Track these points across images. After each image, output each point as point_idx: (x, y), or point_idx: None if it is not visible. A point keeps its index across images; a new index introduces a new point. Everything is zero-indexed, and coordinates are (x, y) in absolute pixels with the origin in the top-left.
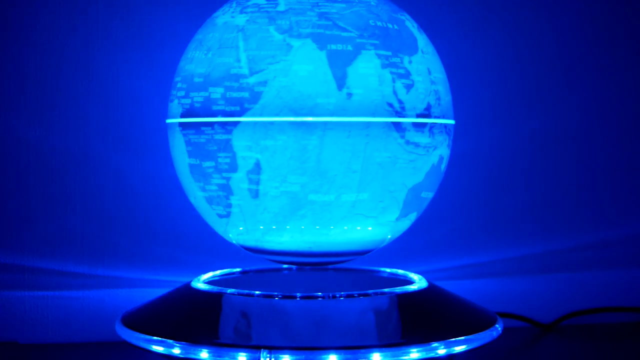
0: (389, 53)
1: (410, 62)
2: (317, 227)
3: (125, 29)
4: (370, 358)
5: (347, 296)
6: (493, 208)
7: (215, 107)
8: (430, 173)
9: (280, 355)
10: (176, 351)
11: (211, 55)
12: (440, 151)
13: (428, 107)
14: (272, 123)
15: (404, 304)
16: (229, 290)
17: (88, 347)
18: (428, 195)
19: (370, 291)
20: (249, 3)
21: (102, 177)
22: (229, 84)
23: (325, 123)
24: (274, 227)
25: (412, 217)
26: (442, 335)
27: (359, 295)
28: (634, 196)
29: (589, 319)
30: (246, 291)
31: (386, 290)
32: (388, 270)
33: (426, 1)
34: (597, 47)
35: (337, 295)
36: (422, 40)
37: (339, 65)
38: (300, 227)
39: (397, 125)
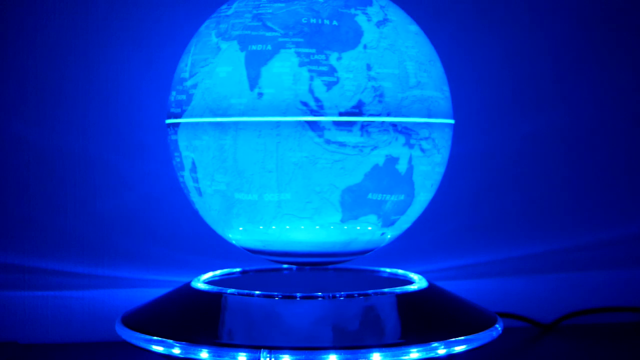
0: (313, 50)
1: (339, 58)
2: (261, 226)
3: (125, 29)
4: (370, 358)
5: (347, 296)
6: (493, 208)
7: (170, 110)
8: (376, 174)
9: (280, 355)
10: (176, 351)
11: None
12: (387, 151)
13: (359, 105)
14: (198, 124)
15: (404, 304)
16: (229, 290)
17: (88, 347)
18: (386, 197)
19: (370, 291)
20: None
21: (102, 177)
22: (179, 87)
23: (237, 123)
24: (240, 228)
25: (374, 219)
26: (442, 335)
27: (359, 295)
28: (634, 196)
29: (589, 319)
30: (246, 291)
31: (386, 290)
32: (388, 270)
33: (426, 1)
34: (597, 48)
35: (337, 295)
36: (374, 35)
37: (255, 65)
38: (244, 226)
39: (313, 125)
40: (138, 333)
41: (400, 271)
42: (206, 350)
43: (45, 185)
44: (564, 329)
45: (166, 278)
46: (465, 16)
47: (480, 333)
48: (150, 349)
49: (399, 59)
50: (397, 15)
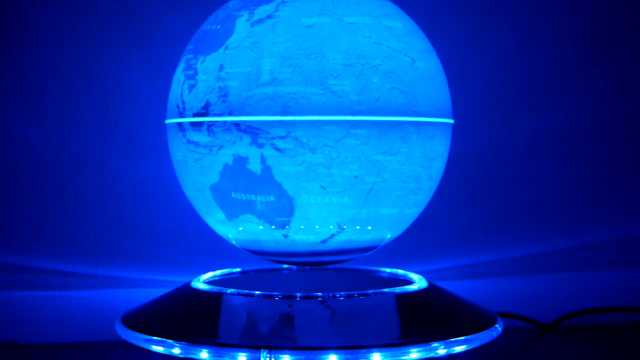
0: (191, 56)
1: (203, 61)
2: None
3: (125, 29)
4: (370, 358)
5: (347, 296)
6: (493, 208)
7: None
8: (230, 173)
9: (280, 355)
10: (176, 351)
11: None
12: (233, 150)
13: (206, 106)
14: None
15: (404, 304)
16: (229, 290)
17: (88, 347)
18: (252, 197)
19: (370, 291)
20: None
21: (102, 177)
22: None
23: None
24: (240, 228)
25: (254, 219)
26: (442, 335)
27: (359, 295)
28: (634, 196)
29: (589, 319)
30: (246, 291)
31: (386, 290)
32: (388, 270)
33: (426, 1)
34: (597, 47)
35: (337, 295)
36: (241, 35)
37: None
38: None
39: (180, 125)
40: (138, 333)
41: (400, 271)
42: (206, 350)
43: (45, 185)
44: (564, 329)
45: (166, 278)
46: (466, 16)
47: (480, 333)
48: (150, 349)
49: (257, 57)
50: (296, 10)
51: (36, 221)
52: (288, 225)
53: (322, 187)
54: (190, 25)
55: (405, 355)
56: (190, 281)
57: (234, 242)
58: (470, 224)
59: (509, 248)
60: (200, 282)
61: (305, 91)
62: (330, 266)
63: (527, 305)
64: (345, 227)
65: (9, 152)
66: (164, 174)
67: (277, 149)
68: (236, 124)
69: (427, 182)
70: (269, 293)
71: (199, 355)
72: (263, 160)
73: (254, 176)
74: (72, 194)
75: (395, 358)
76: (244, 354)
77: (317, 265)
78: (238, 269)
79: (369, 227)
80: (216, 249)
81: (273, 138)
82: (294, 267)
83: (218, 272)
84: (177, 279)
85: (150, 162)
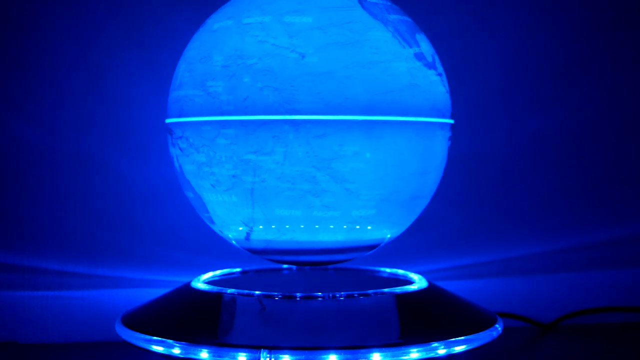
0: None
1: None
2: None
3: (125, 29)
4: (370, 358)
5: (347, 296)
6: (493, 208)
7: None
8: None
9: (280, 355)
10: (176, 351)
11: None
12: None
13: None
14: None
15: (404, 304)
16: (229, 290)
17: (88, 347)
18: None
19: (370, 291)
20: None
21: (102, 177)
22: None
23: None
24: (240, 228)
25: None
26: (442, 335)
27: (359, 295)
28: (634, 196)
29: (589, 319)
30: (246, 291)
31: (386, 290)
32: (388, 270)
33: (426, 1)
34: (597, 47)
35: (337, 295)
36: None
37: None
38: None
39: None
40: (138, 333)
41: (400, 271)
42: (206, 350)
43: (45, 185)
44: (564, 329)
45: (166, 278)
46: (466, 16)
47: (480, 333)
48: (150, 349)
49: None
50: (216, 15)
51: (36, 221)
52: (211, 221)
53: (212, 186)
54: (191, 25)
55: (405, 355)
56: (190, 281)
57: (234, 242)
58: (470, 224)
59: (508, 248)
60: (200, 282)
61: (193, 94)
62: (330, 266)
63: (527, 305)
64: (252, 226)
65: (9, 152)
66: (164, 174)
67: (180, 149)
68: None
69: (338, 184)
70: (269, 293)
71: (199, 355)
72: (177, 159)
73: (178, 173)
74: (72, 194)
75: (395, 358)
76: (244, 354)
77: (317, 265)
78: (238, 269)
79: (369, 227)
80: (216, 249)
81: (177, 138)
82: (294, 267)
83: (218, 272)
84: (177, 279)
85: (150, 162)
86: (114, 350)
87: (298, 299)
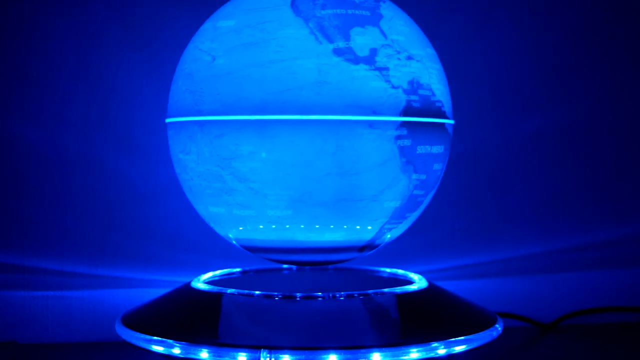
0: None
1: None
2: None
3: (125, 29)
4: (370, 358)
5: (347, 296)
6: (493, 208)
7: None
8: None
9: (280, 355)
10: (176, 351)
11: None
12: None
13: None
14: None
15: (404, 304)
16: (229, 290)
17: (88, 347)
18: None
19: (370, 291)
20: None
21: (102, 177)
22: None
23: None
24: (240, 228)
25: None
26: (442, 335)
27: (359, 295)
28: (634, 196)
29: (589, 319)
30: (246, 291)
31: (386, 290)
32: (388, 270)
33: (426, 1)
34: (597, 47)
35: (337, 295)
36: None
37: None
38: None
39: None
40: (138, 333)
41: (400, 271)
42: (206, 350)
43: (45, 185)
44: (564, 329)
45: (166, 278)
46: (466, 16)
47: (480, 333)
48: (150, 349)
49: None
50: None
51: (36, 221)
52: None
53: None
54: (191, 25)
55: (405, 355)
56: (190, 281)
57: (234, 242)
58: (470, 224)
59: (509, 248)
60: (200, 282)
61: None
62: (330, 266)
63: (527, 305)
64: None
65: (9, 152)
66: (164, 174)
67: None
68: None
69: (242, 183)
70: (269, 293)
71: (199, 355)
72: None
73: None
74: (72, 194)
75: (395, 358)
76: (244, 354)
77: (317, 265)
78: (238, 269)
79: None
80: (216, 249)
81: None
82: (294, 267)
83: (218, 272)
84: (177, 279)
85: (150, 162)
86: (114, 350)
87: (298, 299)
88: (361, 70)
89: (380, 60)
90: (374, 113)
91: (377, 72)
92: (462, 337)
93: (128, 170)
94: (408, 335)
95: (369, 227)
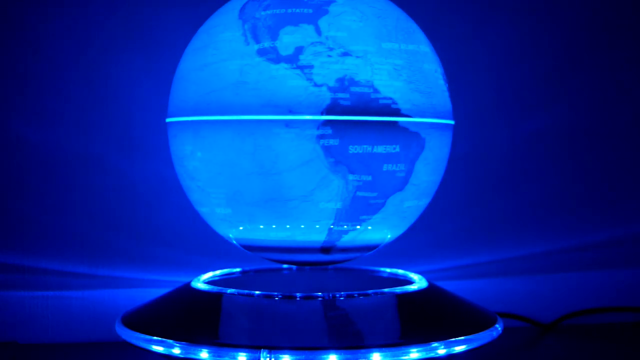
0: None
1: None
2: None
3: (126, 29)
4: (370, 358)
5: (347, 296)
6: (493, 208)
7: None
8: None
9: (280, 355)
10: (176, 351)
11: None
12: None
13: None
14: None
15: (404, 304)
16: (229, 290)
17: (88, 347)
18: None
19: (370, 291)
20: None
21: (102, 177)
22: None
23: None
24: (241, 228)
25: None
26: (442, 335)
27: (359, 295)
28: (634, 196)
29: (589, 319)
30: (246, 291)
31: (386, 290)
32: (388, 270)
33: (427, 1)
34: (597, 47)
35: (337, 295)
36: None
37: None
38: None
39: None
40: (138, 333)
41: (400, 271)
42: (206, 350)
43: (45, 185)
44: (564, 329)
45: (166, 278)
46: (466, 16)
47: (480, 333)
48: (150, 349)
49: None
50: None
51: (36, 221)
52: None
53: None
54: (191, 24)
55: (405, 355)
56: (190, 281)
57: (234, 241)
58: (471, 224)
59: (509, 248)
60: (200, 282)
61: None
62: (330, 266)
63: (527, 305)
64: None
65: (9, 152)
66: (164, 173)
67: None
68: None
69: (192, 182)
70: (269, 293)
71: (199, 355)
72: None
73: None
74: (72, 194)
75: (395, 358)
76: (244, 354)
77: (317, 265)
78: (238, 269)
79: (369, 227)
80: (216, 249)
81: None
82: (294, 267)
83: (218, 272)
84: (177, 279)
85: (150, 162)
86: (114, 350)
87: (298, 299)
88: (281, 69)
89: (305, 58)
90: (291, 112)
91: (298, 71)
92: (462, 337)
93: (128, 170)
94: (408, 335)
95: (317, 226)
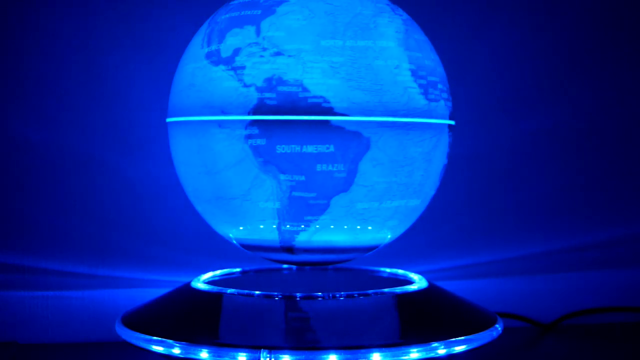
0: None
1: None
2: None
3: (126, 29)
4: (370, 358)
5: (347, 296)
6: (493, 208)
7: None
8: None
9: (280, 355)
10: (176, 351)
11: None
12: None
13: None
14: None
15: (404, 304)
16: (229, 290)
17: (88, 347)
18: None
19: (370, 291)
20: None
21: (102, 177)
22: None
23: None
24: (241, 228)
25: None
26: (442, 335)
27: (359, 295)
28: (634, 196)
29: (589, 319)
30: (246, 291)
31: (386, 290)
32: (388, 270)
33: (427, 1)
34: (597, 47)
35: (337, 295)
36: None
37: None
38: None
39: None
40: (138, 333)
41: (400, 271)
42: (206, 350)
43: (45, 185)
44: (564, 329)
45: (166, 278)
46: (466, 16)
47: (480, 333)
48: (150, 349)
49: None
50: None
51: (36, 221)
52: None
53: None
54: (191, 24)
55: (405, 355)
56: (190, 281)
57: (234, 241)
58: (470, 224)
59: (509, 248)
60: (200, 282)
61: None
62: (330, 266)
63: (527, 305)
64: None
65: (9, 152)
66: (164, 173)
67: None
68: None
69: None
70: (269, 293)
71: (199, 355)
72: None
73: None
74: (72, 194)
75: (395, 358)
76: (244, 354)
77: (317, 265)
78: (238, 269)
79: (370, 227)
80: (216, 249)
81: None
82: (294, 267)
83: (218, 272)
84: (177, 279)
85: (150, 162)
86: (114, 350)
87: (298, 299)
88: (219, 71)
89: (240, 59)
90: (223, 113)
91: (232, 72)
92: (462, 337)
93: (128, 170)
94: (408, 335)
95: (261, 226)
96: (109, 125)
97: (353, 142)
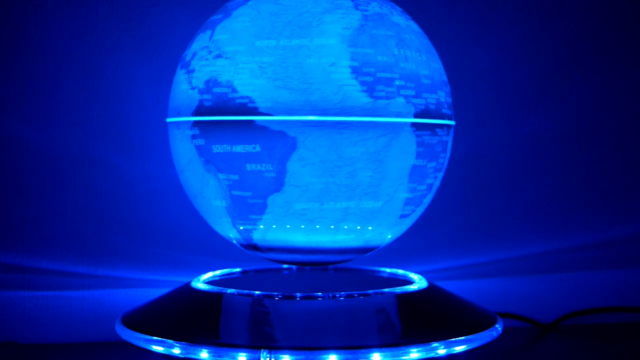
0: None
1: None
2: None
3: (126, 29)
4: (370, 358)
5: (347, 296)
6: (493, 208)
7: (444, 110)
8: None
9: (280, 355)
10: (176, 351)
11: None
12: None
13: None
14: None
15: (404, 304)
16: (229, 290)
17: (88, 347)
18: None
19: (370, 291)
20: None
21: (102, 177)
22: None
23: None
24: (241, 227)
25: None
26: (442, 335)
27: (359, 295)
28: (634, 196)
29: (589, 319)
30: (246, 291)
31: (386, 290)
32: (388, 270)
33: (427, 1)
34: (597, 47)
35: (337, 295)
36: None
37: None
38: None
39: None
40: (138, 333)
41: (400, 271)
42: (206, 350)
43: (45, 185)
44: (564, 329)
45: (166, 278)
46: (466, 16)
47: (480, 333)
48: (150, 349)
49: None
50: None
51: (36, 221)
52: None
53: None
54: (191, 24)
55: (405, 355)
56: (190, 281)
57: (234, 241)
58: (470, 224)
59: (509, 248)
60: (200, 282)
61: None
62: (330, 266)
63: (527, 305)
64: None
65: (9, 152)
66: (164, 173)
67: None
68: None
69: None
70: (269, 293)
71: (199, 355)
72: None
73: None
74: (72, 194)
75: (395, 358)
76: (244, 354)
77: (317, 265)
78: (238, 269)
79: (370, 228)
80: (216, 249)
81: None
82: (294, 267)
83: (218, 272)
84: (177, 279)
85: (150, 162)
86: (114, 350)
87: (298, 299)
88: (180, 75)
89: (194, 63)
90: (179, 114)
91: (186, 75)
92: (462, 337)
93: (128, 170)
94: (408, 335)
95: (220, 224)
96: (108, 126)
97: (278, 141)
